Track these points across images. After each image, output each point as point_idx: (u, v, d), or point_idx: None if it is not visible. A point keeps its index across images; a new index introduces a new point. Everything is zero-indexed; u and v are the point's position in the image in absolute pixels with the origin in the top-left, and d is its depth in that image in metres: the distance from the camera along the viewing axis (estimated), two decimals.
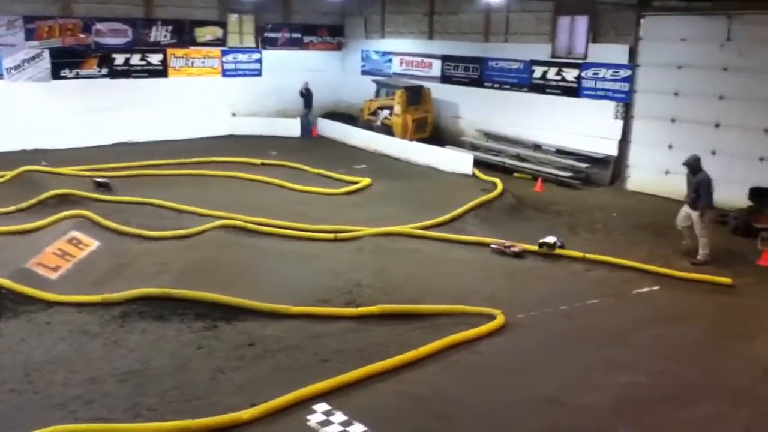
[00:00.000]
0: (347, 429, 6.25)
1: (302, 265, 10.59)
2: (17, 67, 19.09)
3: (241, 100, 22.98)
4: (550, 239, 11.50)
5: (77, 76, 20.10)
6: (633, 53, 16.27)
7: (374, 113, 21.71)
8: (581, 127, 17.50)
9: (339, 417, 6.39)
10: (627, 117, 16.62)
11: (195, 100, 22.04)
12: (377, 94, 22.13)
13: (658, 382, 7.31)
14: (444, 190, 15.58)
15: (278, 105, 23.43)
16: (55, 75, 19.72)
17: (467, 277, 10.48)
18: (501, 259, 11.29)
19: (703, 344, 8.40)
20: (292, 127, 22.51)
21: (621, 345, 8.24)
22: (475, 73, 20.47)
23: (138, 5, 20.96)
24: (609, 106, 16.93)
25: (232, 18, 23.03)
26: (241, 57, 23.15)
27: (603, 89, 17.03)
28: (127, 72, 20.97)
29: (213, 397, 6.75)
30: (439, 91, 21.36)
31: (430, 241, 12.06)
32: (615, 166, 16.97)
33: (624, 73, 16.52)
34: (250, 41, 23.52)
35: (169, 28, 21.52)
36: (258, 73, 23.49)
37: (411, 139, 19.85)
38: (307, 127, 22.84)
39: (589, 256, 11.25)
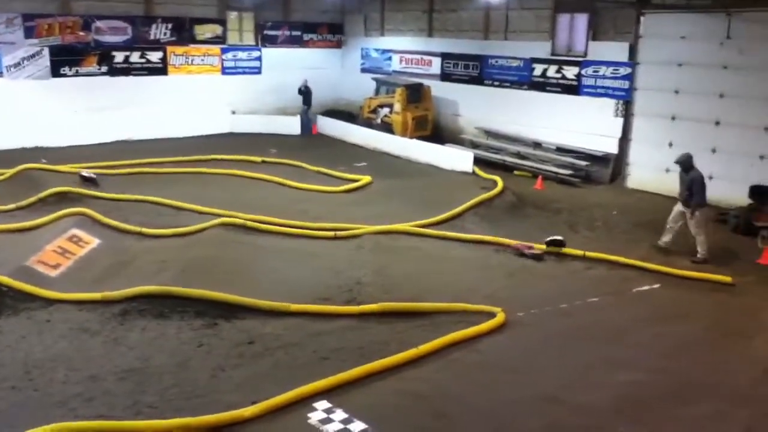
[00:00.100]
0: (348, 427, 6.25)
1: (302, 263, 10.58)
2: (17, 65, 19.09)
3: (241, 98, 22.97)
4: (557, 237, 11.47)
5: (77, 74, 20.11)
6: (633, 51, 16.25)
7: (374, 111, 21.69)
8: (581, 124, 17.49)
9: (339, 415, 6.39)
10: (627, 115, 16.60)
11: (195, 97, 22.03)
12: (377, 91, 22.13)
13: (658, 380, 7.31)
14: (444, 188, 15.54)
15: (278, 103, 23.40)
16: (55, 73, 19.73)
17: (467, 275, 10.47)
18: (501, 258, 11.28)
19: (703, 343, 8.40)
20: (291, 125, 22.49)
21: (621, 343, 8.24)
22: (475, 71, 20.44)
23: (138, 3, 20.94)
24: (609, 104, 16.91)
25: (232, 16, 23.03)
26: (241, 55, 23.15)
27: (603, 87, 17.01)
28: (127, 70, 20.97)
29: (213, 394, 6.76)
30: (439, 89, 21.34)
31: (430, 239, 12.03)
32: (615, 164, 16.96)
33: (624, 70, 16.50)
34: (249, 39, 23.51)
35: (169, 25, 21.51)
36: (258, 70, 23.48)
37: (411, 137, 19.81)
38: (307, 124, 22.82)
39: (589, 254, 11.26)
